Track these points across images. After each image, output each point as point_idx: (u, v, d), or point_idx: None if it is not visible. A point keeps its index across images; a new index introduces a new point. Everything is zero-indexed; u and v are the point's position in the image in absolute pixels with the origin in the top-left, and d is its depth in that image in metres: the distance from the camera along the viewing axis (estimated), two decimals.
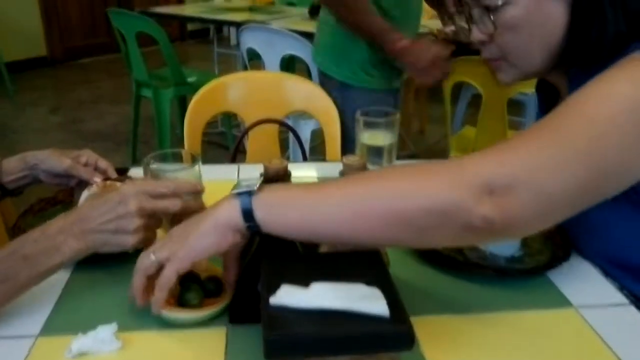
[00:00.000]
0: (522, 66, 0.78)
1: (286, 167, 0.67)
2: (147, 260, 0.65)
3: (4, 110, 4.20)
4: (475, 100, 3.02)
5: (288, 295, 0.57)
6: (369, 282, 0.60)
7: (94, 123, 3.92)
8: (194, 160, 0.88)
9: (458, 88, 2.19)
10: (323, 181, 0.64)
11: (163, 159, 0.91)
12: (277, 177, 0.66)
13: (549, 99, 0.86)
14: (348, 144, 1.46)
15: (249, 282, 0.67)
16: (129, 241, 0.69)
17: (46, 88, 4.78)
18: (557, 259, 0.79)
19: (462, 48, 2.23)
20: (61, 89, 4.83)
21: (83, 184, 0.91)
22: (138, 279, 0.66)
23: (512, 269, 0.78)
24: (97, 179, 0.91)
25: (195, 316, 0.68)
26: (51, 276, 0.69)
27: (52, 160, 0.93)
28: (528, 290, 0.77)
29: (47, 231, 0.68)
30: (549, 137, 0.60)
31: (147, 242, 0.71)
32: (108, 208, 0.69)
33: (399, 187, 0.61)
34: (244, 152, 1.61)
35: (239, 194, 0.63)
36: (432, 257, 0.80)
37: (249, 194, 0.62)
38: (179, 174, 0.85)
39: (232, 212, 0.62)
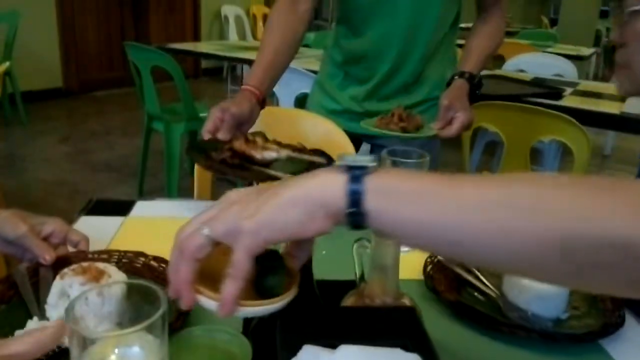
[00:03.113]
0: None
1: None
2: (196, 237, 0.47)
3: (15, 138, 4.19)
4: (490, 148, 2.97)
5: (311, 358, 0.49)
6: (405, 346, 0.51)
7: (103, 154, 3.89)
8: None
9: (473, 135, 2.14)
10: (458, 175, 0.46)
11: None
12: None
13: None
14: None
15: (267, 330, 0.59)
16: None
17: (59, 118, 4.78)
18: (611, 324, 0.70)
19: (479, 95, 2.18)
20: (73, 119, 4.84)
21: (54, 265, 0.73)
22: (185, 267, 0.47)
23: (560, 334, 0.69)
24: (48, 258, 0.73)
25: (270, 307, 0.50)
26: None
27: (7, 224, 0.75)
28: (577, 358, 0.68)
29: None
30: None
31: None
32: None
33: (568, 202, 0.42)
34: None
35: (350, 167, 0.45)
36: (469, 315, 0.71)
37: (362, 170, 0.45)
38: None
39: (333, 189, 0.45)
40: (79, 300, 0.48)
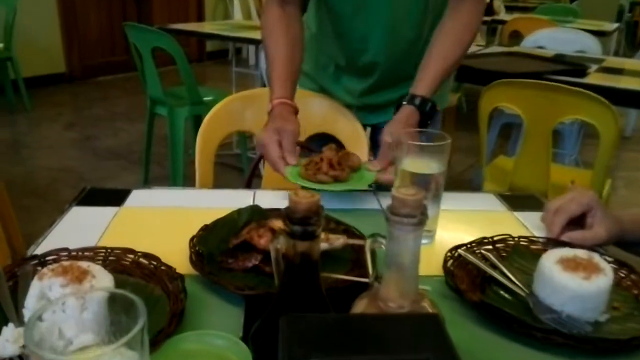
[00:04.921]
0: None
1: (318, 201, 0.51)
2: None
3: (19, 125, 4.14)
4: (506, 131, 2.87)
5: None
6: (427, 359, 0.43)
7: (108, 140, 3.82)
8: None
9: (489, 117, 2.05)
10: None
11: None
12: (308, 215, 0.50)
13: None
14: None
15: (268, 335, 0.51)
16: None
17: (63, 104, 4.72)
18: None
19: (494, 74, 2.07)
20: (78, 105, 4.78)
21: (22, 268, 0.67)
22: None
23: (601, 340, 0.60)
24: None
25: None
26: None
27: None
28: None
29: None
30: None
31: None
32: None
33: None
34: (259, 176, 1.46)
35: None
36: (496, 317, 0.63)
37: None
38: None
39: None
40: (49, 310, 0.40)
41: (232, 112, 1.38)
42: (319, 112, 1.39)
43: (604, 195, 1.89)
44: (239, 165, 3.23)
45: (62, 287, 0.58)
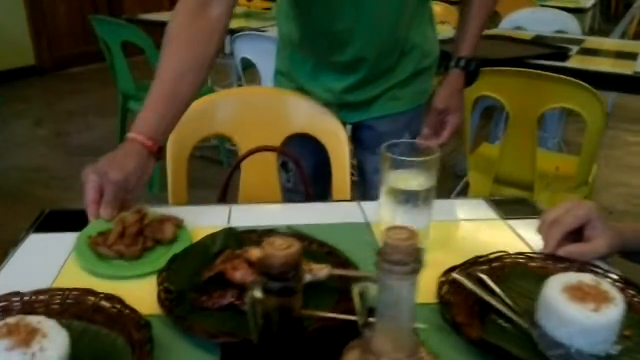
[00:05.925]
0: None
1: (298, 251, 0.44)
2: None
3: None
4: (489, 112, 2.82)
5: None
6: None
7: (81, 136, 3.69)
8: None
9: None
10: None
11: None
12: (286, 269, 0.43)
13: None
14: None
15: None
16: None
17: (32, 99, 4.54)
18: None
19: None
20: (48, 99, 4.60)
21: None
22: None
23: None
24: None
25: None
26: None
27: None
28: None
29: None
30: None
31: None
32: None
33: None
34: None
35: None
36: (499, 354, 0.58)
37: None
38: None
39: None
40: None
41: (205, 114, 1.30)
42: (296, 112, 1.32)
43: (590, 181, 1.86)
44: (217, 158, 3.14)
45: (6, 351, 0.51)
